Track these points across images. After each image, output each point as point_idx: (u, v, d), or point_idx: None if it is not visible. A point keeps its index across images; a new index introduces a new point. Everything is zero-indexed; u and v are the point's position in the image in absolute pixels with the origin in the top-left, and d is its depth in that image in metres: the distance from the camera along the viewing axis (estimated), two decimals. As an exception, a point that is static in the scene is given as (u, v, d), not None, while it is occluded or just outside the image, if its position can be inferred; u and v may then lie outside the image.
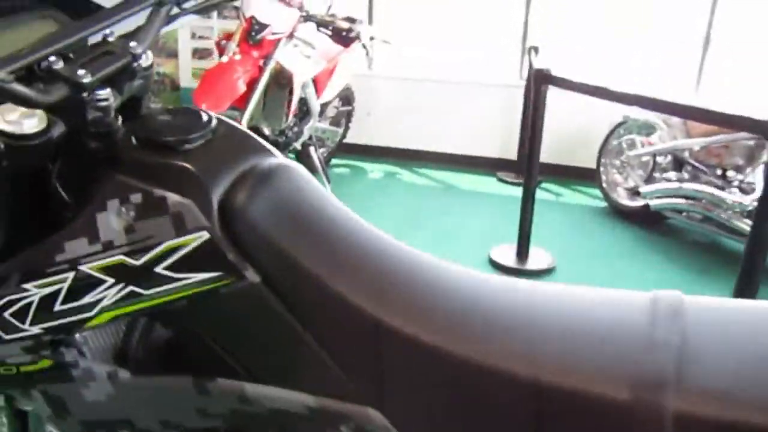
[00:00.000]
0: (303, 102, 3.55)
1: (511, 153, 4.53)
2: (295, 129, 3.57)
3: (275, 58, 3.15)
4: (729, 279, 2.94)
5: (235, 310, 0.70)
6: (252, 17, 3.03)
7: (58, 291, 0.70)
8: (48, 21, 0.83)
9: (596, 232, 3.57)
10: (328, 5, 3.29)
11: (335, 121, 4.32)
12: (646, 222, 3.63)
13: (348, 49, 3.59)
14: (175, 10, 0.90)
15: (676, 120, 3.46)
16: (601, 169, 3.96)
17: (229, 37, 3.20)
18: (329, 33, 3.22)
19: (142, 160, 0.71)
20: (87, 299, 0.70)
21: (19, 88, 0.61)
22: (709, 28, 4.22)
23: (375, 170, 4.54)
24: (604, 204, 3.96)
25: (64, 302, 0.70)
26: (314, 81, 3.54)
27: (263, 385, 0.71)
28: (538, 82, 2.81)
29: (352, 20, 3.20)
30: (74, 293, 0.70)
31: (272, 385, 0.70)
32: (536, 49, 4.17)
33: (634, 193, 3.63)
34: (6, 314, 0.72)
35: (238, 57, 3.04)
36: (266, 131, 2.91)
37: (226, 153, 0.74)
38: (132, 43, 0.77)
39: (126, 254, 0.68)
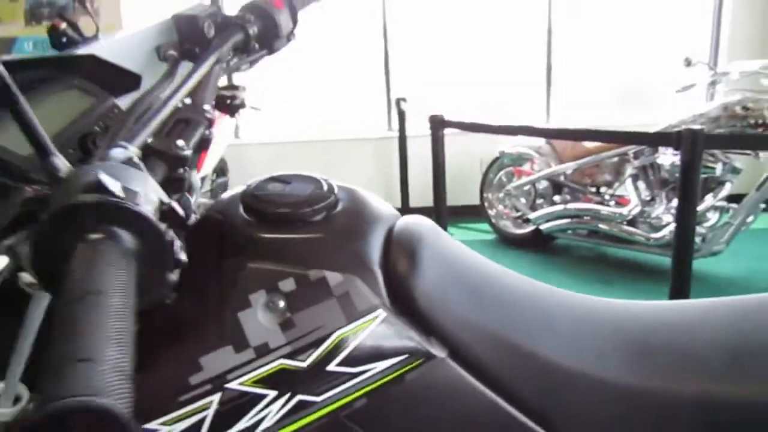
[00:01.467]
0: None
1: (395, 202, 4.60)
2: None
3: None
4: (630, 285, 3.24)
5: (424, 395, 0.58)
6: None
7: (200, 423, 0.53)
8: (76, 93, 0.67)
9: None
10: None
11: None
12: (535, 246, 3.86)
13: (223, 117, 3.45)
14: (231, 64, 0.80)
15: (546, 148, 3.77)
16: (485, 203, 4.18)
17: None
18: (212, 103, 3.06)
19: (273, 238, 0.58)
20: (242, 425, 0.54)
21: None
22: (549, 60, 4.71)
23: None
24: (493, 236, 4.15)
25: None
26: (192, 154, 3.34)
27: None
28: (435, 127, 2.90)
29: (234, 87, 3.08)
30: (224, 420, 0.53)
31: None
32: (404, 99, 4.34)
33: (523, 220, 3.86)
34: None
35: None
36: None
37: (362, 219, 0.63)
38: (206, 106, 0.64)
39: (288, 356, 0.54)
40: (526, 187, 3.88)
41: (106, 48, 0.71)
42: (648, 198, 3.41)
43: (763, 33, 4.25)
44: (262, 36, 0.80)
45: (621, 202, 3.53)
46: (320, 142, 4.77)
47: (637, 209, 3.38)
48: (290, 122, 4.91)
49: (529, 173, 3.86)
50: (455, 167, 4.47)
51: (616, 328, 0.66)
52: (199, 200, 3.25)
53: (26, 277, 0.49)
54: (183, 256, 0.44)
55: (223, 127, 3.61)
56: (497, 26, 4.78)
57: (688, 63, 3.30)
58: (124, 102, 0.72)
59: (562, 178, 3.71)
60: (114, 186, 0.40)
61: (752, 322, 0.64)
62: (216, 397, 0.53)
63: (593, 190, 3.64)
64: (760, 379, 0.59)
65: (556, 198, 3.71)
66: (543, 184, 3.80)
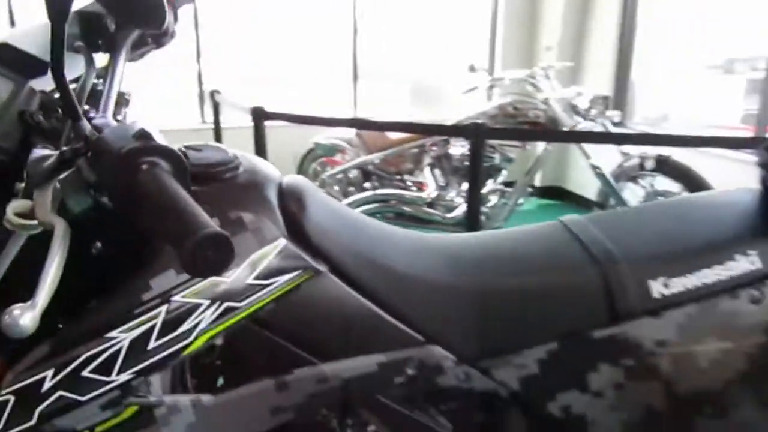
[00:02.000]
0: None
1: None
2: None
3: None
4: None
5: (313, 301, 0.80)
6: None
7: (152, 328, 0.69)
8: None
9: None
10: None
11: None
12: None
13: None
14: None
15: (356, 140, 4.13)
16: (301, 192, 4.43)
17: None
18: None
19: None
20: (184, 327, 0.71)
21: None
22: (354, 59, 5.09)
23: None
24: (310, 222, 4.42)
25: (159, 337, 0.70)
26: None
27: (338, 360, 0.83)
28: (258, 118, 3.07)
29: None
30: (169, 325, 0.70)
31: (347, 357, 0.83)
32: (218, 92, 4.40)
33: (337, 206, 4.18)
34: (85, 372, 0.67)
35: None
36: None
37: (259, 175, 0.83)
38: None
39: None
40: (339, 176, 4.21)
41: (17, 37, 0.82)
42: (443, 183, 3.95)
43: (529, 47, 5.09)
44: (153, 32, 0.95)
45: (421, 187, 4.02)
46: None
47: (435, 193, 3.89)
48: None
49: (341, 163, 4.20)
50: (272, 158, 4.66)
51: (442, 249, 0.95)
52: None
53: (14, 217, 0.62)
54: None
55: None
56: (308, 26, 5.04)
57: (472, 69, 3.88)
58: (37, 85, 0.83)
59: (370, 167, 4.09)
60: (153, 133, 0.57)
61: (520, 241, 0.97)
62: (163, 308, 0.71)
63: (398, 177, 4.09)
64: (525, 273, 0.91)
65: (366, 185, 4.08)
66: (354, 173, 4.15)
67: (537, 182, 4.61)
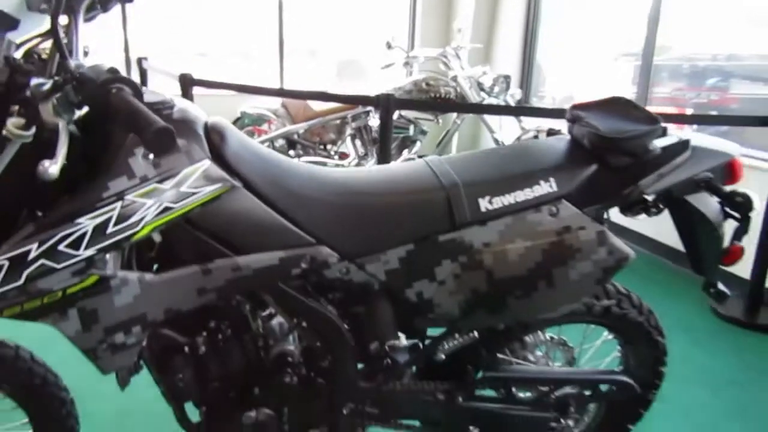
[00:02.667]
0: None
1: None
2: None
3: None
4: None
5: (231, 207, 1.08)
6: None
7: (109, 218, 0.96)
8: None
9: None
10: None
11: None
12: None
13: None
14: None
15: (282, 111, 4.36)
16: (228, 159, 4.62)
17: None
18: None
19: None
20: (133, 219, 0.98)
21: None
22: (281, 35, 5.28)
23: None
24: (236, 188, 4.63)
25: (115, 224, 0.96)
26: None
27: (249, 254, 1.11)
28: (185, 85, 3.25)
29: None
30: (123, 217, 0.97)
31: (255, 252, 1.12)
32: (145, 59, 4.50)
33: (263, 173, 4.41)
34: (60, 247, 0.93)
35: None
36: None
37: (190, 113, 1.10)
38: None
39: (158, 182, 1.00)
40: (265, 144, 4.43)
41: (-6, -2, 1.05)
42: (363, 153, 4.26)
43: (445, 28, 5.44)
44: None
45: (343, 156, 4.31)
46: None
47: (355, 161, 4.19)
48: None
49: (267, 132, 4.42)
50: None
51: (331, 177, 1.25)
52: None
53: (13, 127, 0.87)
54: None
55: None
56: (238, 2, 5.17)
57: (389, 46, 4.18)
58: (12, 36, 1.06)
59: (296, 137, 4.34)
60: (119, 70, 0.84)
61: (391, 172, 1.28)
62: (118, 204, 0.97)
63: (321, 147, 4.36)
64: (391, 194, 1.22)
65: (291, 153, 4.33)
66: (279, 142, 4.39)
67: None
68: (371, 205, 1.20)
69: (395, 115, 4.03)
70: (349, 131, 4.27)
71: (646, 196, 1.27)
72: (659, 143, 1.28)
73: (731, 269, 3.16)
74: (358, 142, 4.27)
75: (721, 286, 1.48)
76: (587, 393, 1.51)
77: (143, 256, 1.08)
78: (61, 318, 0.99)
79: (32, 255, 0.94)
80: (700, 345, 2.62)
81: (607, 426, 1.68)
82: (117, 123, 0.88)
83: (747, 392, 2.27)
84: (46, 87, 0.90)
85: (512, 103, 3.90)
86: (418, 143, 4.21)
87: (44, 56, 1.09)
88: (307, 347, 1.29)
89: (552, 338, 1.59)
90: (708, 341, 2.66)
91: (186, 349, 1.20)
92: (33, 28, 1.09)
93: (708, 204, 1.32)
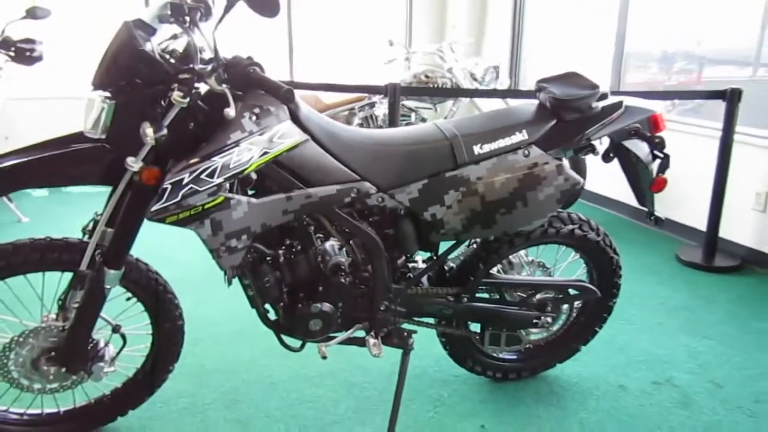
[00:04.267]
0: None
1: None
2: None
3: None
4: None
5: (304, 154, 1.58)
6: (-69, 40, 3.05)
7: (231, 157, 1.46)
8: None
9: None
10: (2, 29, 3.43)
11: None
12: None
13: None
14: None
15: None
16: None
17: None
18: (12, 54, 3.42)
19: (250, 100, 1.52)
20: (245, 158, 1.48)
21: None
22: (290, 31, 5.78)
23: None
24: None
25: (234, 162, 1.46)
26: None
27: (316, 187, 1.61)
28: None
29: (31, 41, 3.48)
30: (239, 157, 1.47)
31: (320, 186, 1.62)
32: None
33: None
34: (202, 176, 1.44)
35: None
36: None
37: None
38: None
39: (259, 135, 1.50)
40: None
41: (143, 14, 1.54)
42: (370, 140, 4.76)
43: (440, 24, 5.95)
44: None
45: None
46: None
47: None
48: (56, 77, 5.13)
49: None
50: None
51: (368, 134, 1.74)
52: None
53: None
54: None
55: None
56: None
57: (391, 43, 4.68)
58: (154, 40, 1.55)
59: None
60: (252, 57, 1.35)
61: (410, 130, 1.77)
62: (236, 149, 1.47)
63: (332, 135, 4.86)
64: (411, 144, 1.71)
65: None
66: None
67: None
68: (398, 152, 1.71)
69: (398, 105, 4.54)
70: (356, 121, 4.77)
71: (592, 142, 1.78)
72: (601, 104, 1.79)
73: (691, 223, 3.68)
74: (365, 131, 4.78)
75: (657, 214, 1.99)
76: (560, 296, 2.02)
77: (244, 186, 1.59)
78: (200, 225, 1.49)
79: (185, 181, 1.44)
80: (663, 284, 3.14)
81: (579, 327, 2.19)
82: (254, 88, 1.41)
83: (695, 314, 2.79)
84: (208, 69, 1.40)
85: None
86: (419, 129, 4.71)
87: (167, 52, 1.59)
88: (354, 259, 1.79)
89: (533, 260, 2.10)
90: (669, 281, 3.18)
91: (270, 259, 1.70)
92: (163, 35, 1.58)
93: (639, 147, 1.83)
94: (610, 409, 2.06)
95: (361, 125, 4.77)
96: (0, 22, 3.51)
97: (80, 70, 5.19)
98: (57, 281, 1.73)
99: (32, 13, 3.42)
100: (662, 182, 1.85)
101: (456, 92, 4.19)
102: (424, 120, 4.73)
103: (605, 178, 1.80)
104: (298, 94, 4.44)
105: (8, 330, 1.69)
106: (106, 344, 1.75)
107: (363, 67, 5.98)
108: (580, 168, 3.81)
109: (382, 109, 4.64)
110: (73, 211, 4.33)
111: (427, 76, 4.44)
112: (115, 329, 1.76)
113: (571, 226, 1.96)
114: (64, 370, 1.68)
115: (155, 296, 1.78)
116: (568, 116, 1.76)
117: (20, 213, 4.05)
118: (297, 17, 5.77)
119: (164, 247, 3.54)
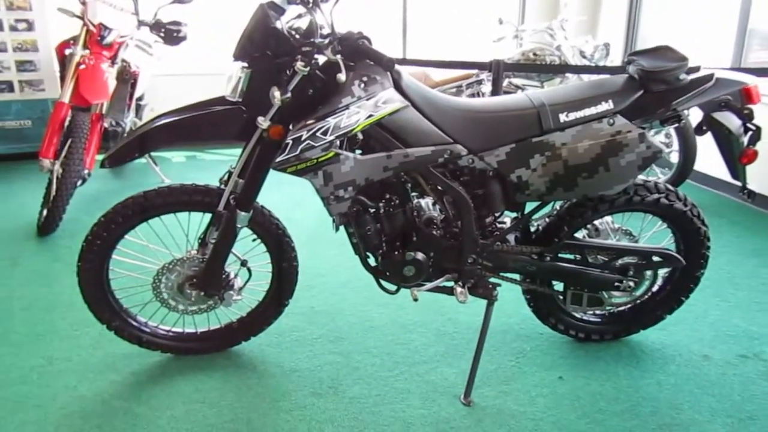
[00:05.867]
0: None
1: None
2: (126, 120, 4.17)
3: (122, 58, 3.77)
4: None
5: (404, 118, 1.81)
6: (101, 23, 3.60)
7: (341, 118, 1.72)
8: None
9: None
10: (155, 12, 3.96)
11: (137, 115, 4.89)
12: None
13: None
14: None
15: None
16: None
17: (67, 44, 3.68)
18: (162, 35, 3.93)
19: (359, 70, 1.77)
20: (353, 119, 1.73)
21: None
22: (404, 14, 6.00)
23: (176, 155, 5.29)
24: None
25: (345, 123, 1.73)
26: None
27: (413, 147, 1.84)
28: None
29: (178, 23, 3.97)
30: (348, 118, 1.73)
31: (417, 147, 1.84)
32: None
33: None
34: (317, 134, 1.71)
35: (91, 59, 3.59)
36: (105, 124, 3.98)
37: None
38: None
39: (366, 99, 1.75)
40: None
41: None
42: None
43: (553, 3, 5.91)
44: None
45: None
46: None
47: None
48: (194, 55, 5.72)
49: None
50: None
51: (463, 102, 1.94)
52: (133, 119, 4.28)
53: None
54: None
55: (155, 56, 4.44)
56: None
57: (500, 21, 4.77)
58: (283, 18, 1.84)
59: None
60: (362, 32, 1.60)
61: (503, 99, 1.94)
62: (346, 112, 1.73)
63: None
64: (501, 110, 1.89)
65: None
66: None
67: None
68: (489, 118, 1.89)
69: (505, 83, 4.64)
70: (464, 97, 4.93)
71: (678, 112, 1.86)
72: (690, 76, 1.86)
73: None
74: (472, 108, 4.92)
75: (750, 187, 2.03)
76: (643, 262, 2.11)
77: (351, 145, 1.84)
78: (314, 176, 1.77)
79: (303, 137, 1.72)
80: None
81: (665, 296, 2.26)
82: (362, 58, 1.67)
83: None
84: (325, 42, 1.67)
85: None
86: (526, 107, 4.78)
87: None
88: (445, 215, 2.00)
89: (619, 228, 2.20)
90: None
91: (372, 211, 1.95)
92: (290, 13, 1.87)
93: (729, 119, 1.88)
94: (689, 374, 2.14)
95: (468, 102, 4.92)
96: (152, 6, 4.03)
97: (214, 49, 5.76)
98: (198, 223, 2.09)
99: (179, -1, 3.90)
100: (752, 154, 1.89)
101: (559, 68, 4.23)
102: (531, 98, 4.80)
103: (716, 158, 1.85)
104: (407, 69, 4.63)
105: (161, 259, 2.09)
106: (236, 276, 2.10)
107: (473, 46, 6.09)
108: (689, 146, 3.74)
109: (489, 86, 4.76)
110: (207, 174, 4.87)
111: (535, 54, 4.50)
112: (243, 263, 2.10)
113: (656, 195, 2.05)
114: (202, 294, 2.05)
115: (276, 239, 2.10)
116: (656, 87, 1.85)
117: (163, 175, 4.63)
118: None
119: (281, 209, 3.95)
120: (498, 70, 3.31)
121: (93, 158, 3.63)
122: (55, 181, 3.45)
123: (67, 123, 3.53)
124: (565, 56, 4.40)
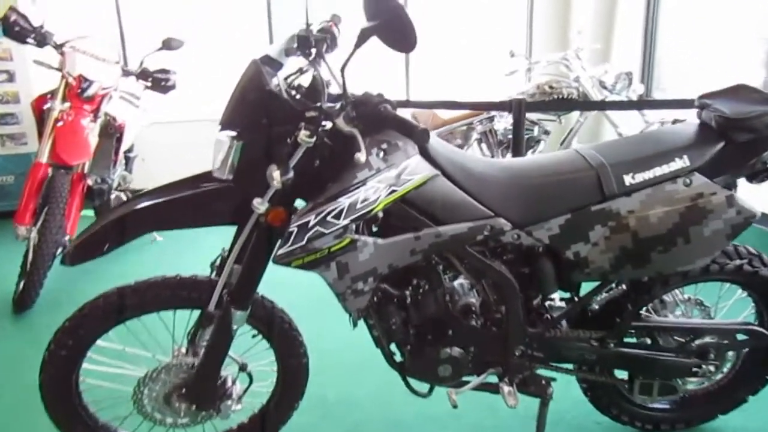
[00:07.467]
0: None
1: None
2: (113, 176, 3.84)
3: (105, 111, 3.46)
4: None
5: (433, 190, 1.47)
6: (81, 75, 3.29)
7: (358, 197, 1.38)
8: None
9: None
10: (140, 61, 3.66)
11: (126, 168, 4.57)
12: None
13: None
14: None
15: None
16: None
17: (45, 99, 3.37)
18: (149, 84, 3.63)
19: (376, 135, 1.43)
20: (372, 197, 1.39)
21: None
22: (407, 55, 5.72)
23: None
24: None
25: (361, 202, 1.38)
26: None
27: (446, 225, 1.49)
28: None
29: (166, 71, 3.67)
30: (366, 196, 1.38)
31: (450, 224, 1.49)
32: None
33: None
34: (328, 218, 1.37)
35: (70, 114, 3.27)
36: (90, 181, 3.55)
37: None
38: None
39: (386, 171, 1.40)
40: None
41: (270, 49, 1.50)
42: (489, 156, 4.58)
43: (562, 31, 5.64)
44: None
45: (470, 159, 4.65)
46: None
47: (483, 163, 4.52)
48: (183, 102, 5.42)
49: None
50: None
51: (501, 165, 1.60)
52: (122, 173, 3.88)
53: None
54: None
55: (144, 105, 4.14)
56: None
57: (512, 54, 4.48)
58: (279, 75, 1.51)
59: (426, 143, 4.74)
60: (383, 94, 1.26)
61: (549, 159, 1.60)
62: (362, 188, 1.38)
63: (449, 151, 4.73)
64: (552, 175, 1.55)
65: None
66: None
67: (573, 152, 5.17)
68: (536, 184, 1.55)
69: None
70: (475, 136, 4.60)
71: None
72: (780, 121, 1.52)
73: None
74: (484, 146, 4.58)
75: None
76: (725, 342, 1.75)
77: (370, 226, 1.50)
78: (326, 269, 1.42)
79: (311, 224, 1.37)
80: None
81: (747, 376, 1.89)
82: (386, 128, 1.32)
83: None
84: (337, 108, 1.33)
85: (634, 99, 4.06)
86: (542, 143, 4.46)
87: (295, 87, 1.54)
88: (485, 300, 1.64)
89: (689, 298, 1.84)
90: None
91: (397, 300, 1.60)
92: (290, 68, 1.54)
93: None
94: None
95: (479, 140, 4.59)
96: (138, 54, 3.73)
97: (207, 95, 5.47)
98: (188, 315, 1.73)
99: (167, 45, 3.61)
100: None
101: (587, 105, 3.90)
102: (547, 132, 4.47)
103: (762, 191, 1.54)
104: (413, 111, 4.29)
105: (142, 365, 1.72)
106: (234, 382, 1.73)
107: (483, 80, 5.81)
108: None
109: (502, 123, 4.45)
110: (203, 231, 4.52)
111: (551, 87, 4.19)
112: (242, 368, 1.73)
113: (738, 262, 1.69)
114: (194, 407, 1.68)
115: (281, 334, 1.74)
116: (741, 137, 1.51)
117: (155, 232, 4.28)
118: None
119: (284, 269, 3.58)
120: (519, 110, 2.98)
121: (75, 223, 3.29)
122: (31, 249, 3.10)
123: (45, 184, 3.19)
124: (585, 88, 4.09)
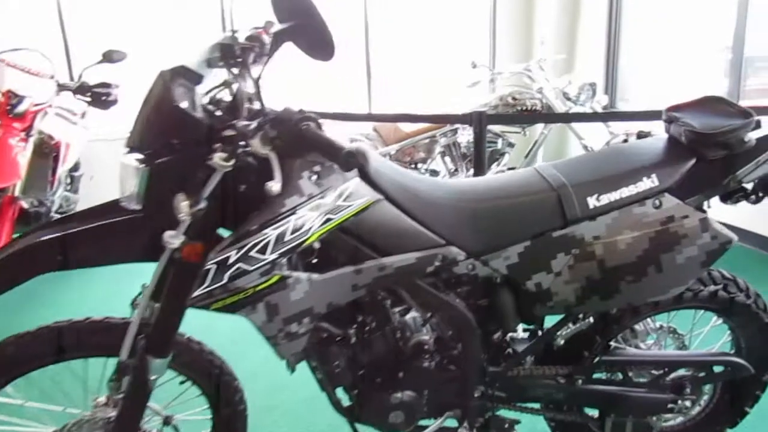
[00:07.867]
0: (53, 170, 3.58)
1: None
2: (52, 198, 3.58)
3: (38, 129, 3.21)
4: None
5: (376, 217, 1.29)
6: (9, 91, 3.05)
7: (287, 228, 1.19)
8: None
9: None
10: (79, 75, 3.43)
11: (71, 188, 4.31)
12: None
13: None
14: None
15: (373, 134, 4.62)
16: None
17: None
18: (88, 99, 3.39)
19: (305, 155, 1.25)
20: (304, 228, 1.20)
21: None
22: (367, 59, 5.57)
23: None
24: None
25: (291, 233, 1.19)
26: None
27: (391, 256, 1.32)
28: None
29: (107, 85, 3.44)
30: (296, 227, 1.20)
31: (396, 254, 1.32)
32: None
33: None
34: (252, 253, 1.18)
35: (-1, 132, 3.02)
36: (25, 204, 3.27)
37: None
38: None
39: (320, 198, 1.22)
40: (360, 167, 4.70)
41: (187, 60, 1.31)
42: (453, 169, 4.43)
43: (526, 42, 5.57)
44: None
45: (434, 173, 4.51)
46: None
47: (446, 178, 4.37)
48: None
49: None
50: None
51: (453, 187, 1.43)
52: (64, 194, 3.61)
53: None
54: None
55: (87, 122, 3.89)
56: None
57: (474, 65, 4.36)
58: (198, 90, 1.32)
59: (387, 158, 4.59)
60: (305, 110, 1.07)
61: (506, 179, 1.45)
62: (292, 217, 1.20)
63: (412, 166, 4.58)
64: (509, 197, 1.39)
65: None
66: (373, 164, 4.64)
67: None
68: (491, 208, 1.38)
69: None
70: (438, 149, 4.46)
71: (744, 185, 1.38)
72: (754, 135, 1.39)
73: None
74: (447, 159, 4.45)
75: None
76: (701, 374, 1.60)
77: (304, 260, 1.31)
78: (253, 310, 1.23)
79: (231, 260, 1.18)
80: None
81: (725, 408, 1.75)
82: (308, 150, 1.13)
83: None
84: (252, 127, 1.15)
85: (599, 110, 3.97)
86: (507, 155, 4.34)
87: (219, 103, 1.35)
88: (439, 337, 1.47)
89: (662, 326, 1.70)
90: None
91: (340, 340, 1.41)
92: (212, 82, 1.35)
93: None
94: None
95: (443, 154, 4.45)
96: (77, 67, 3.50)
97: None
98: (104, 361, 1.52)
99: (108, 57, 3.38)
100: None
101: (553, 118, 3.79)
102: (511, 145, 4.35)
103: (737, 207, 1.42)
104: (375, 124, 4.12)
105: (50, 422, 1.50)
106: (157, 437, 1.52)
107: (445, 91, 5.68)
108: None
109: (465, 135, 4.32)
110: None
111: (514, 98, 4.08)
112: (167, 421, 1.52)
113: (713, 288, 1.56)
114: (110, 468, 1.46)
115: (212, 380, 1.54)
116: (713, 154, 1.37)
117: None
118: (374, 40, 5.57)
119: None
120: (480, 123, 2.83)
121: (6, 250, 3.02)
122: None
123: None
124: (548, 99, 3.98)
